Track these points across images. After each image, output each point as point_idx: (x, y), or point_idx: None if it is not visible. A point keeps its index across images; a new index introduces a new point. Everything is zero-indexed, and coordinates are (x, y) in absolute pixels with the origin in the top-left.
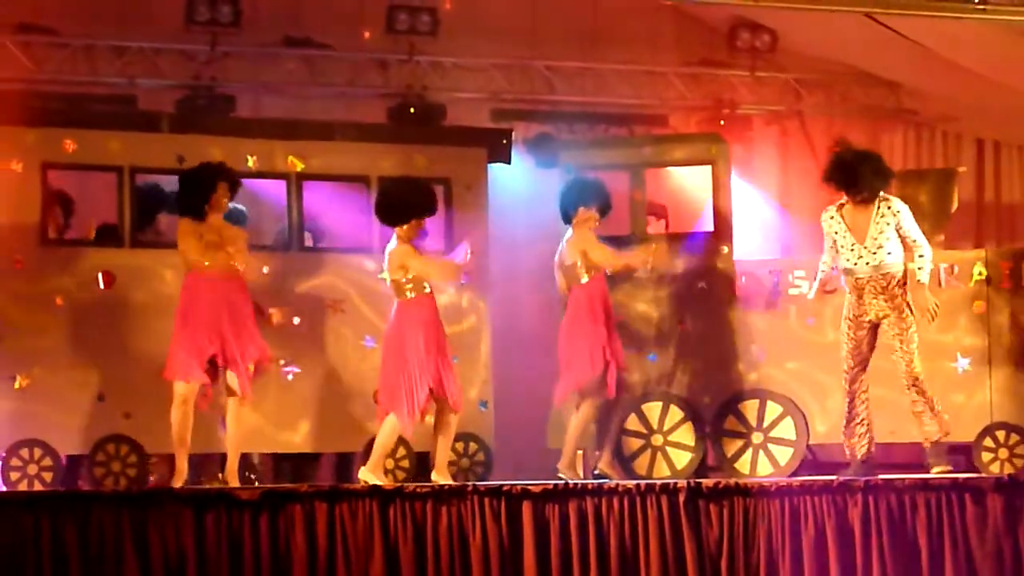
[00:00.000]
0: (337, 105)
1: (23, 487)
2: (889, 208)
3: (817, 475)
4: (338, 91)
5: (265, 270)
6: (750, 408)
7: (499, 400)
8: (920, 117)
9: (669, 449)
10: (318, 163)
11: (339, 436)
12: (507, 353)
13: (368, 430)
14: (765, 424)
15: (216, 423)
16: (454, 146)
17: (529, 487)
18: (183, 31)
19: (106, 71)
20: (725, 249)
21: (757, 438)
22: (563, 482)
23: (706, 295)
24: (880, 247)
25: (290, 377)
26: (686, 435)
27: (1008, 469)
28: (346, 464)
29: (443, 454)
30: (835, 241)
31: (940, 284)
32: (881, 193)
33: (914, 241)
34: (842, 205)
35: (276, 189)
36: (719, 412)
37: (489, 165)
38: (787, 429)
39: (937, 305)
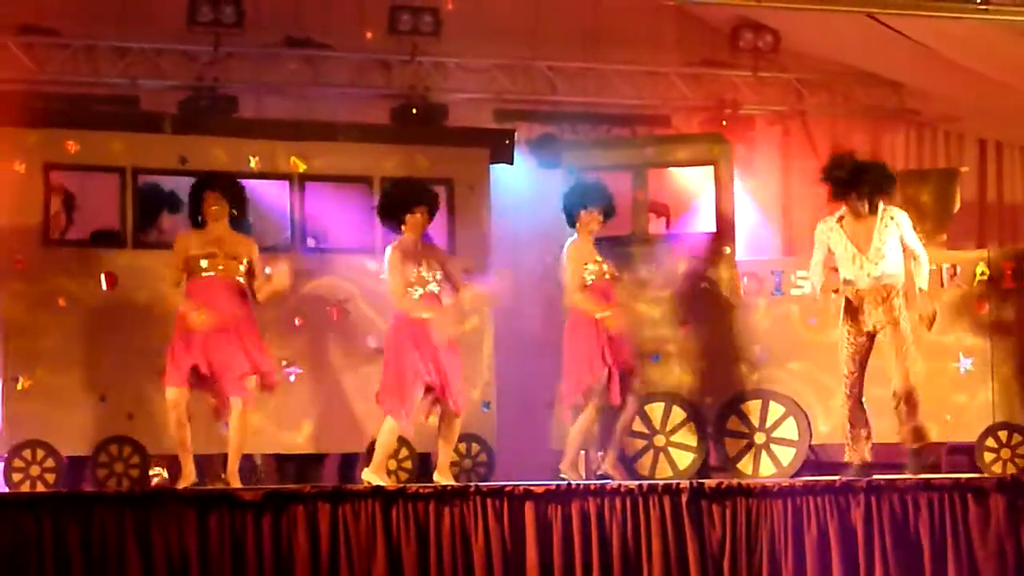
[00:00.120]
0: (340, 106)
1: (25, 488)
2: (892, 218)
3: (819, 475)
4: (340, 92)
5: (268, 271)
6: (752, 408)
7: (501, 401)
8: (922, 117)
9: (671, 449)
10: (320, 164)
11: (342, 437)
12: (509, 354)
13: (370, 431)
14: (767, 424)
15: (219, 424)
16: (457, 147)
17: (531, 488)
18: (185, 32)
19: (108, 72)
20: (727, 249)
21: (759, 438)
22: (565, 483)
23: (708, 295)
24: (883, 257)
25: (292, 378)
26: (688, 435)
27: (1010, 469)
28: (349, 465)
29: (445, 455)
30: (829, 252)
31: (942, 285)
32: (881, 203)
33: (915, 251)
34: (841, 217)
35: (278, 190)
36: (721, 412)
37: (491, 166)
38: (789, 429)
39: (936, 312)
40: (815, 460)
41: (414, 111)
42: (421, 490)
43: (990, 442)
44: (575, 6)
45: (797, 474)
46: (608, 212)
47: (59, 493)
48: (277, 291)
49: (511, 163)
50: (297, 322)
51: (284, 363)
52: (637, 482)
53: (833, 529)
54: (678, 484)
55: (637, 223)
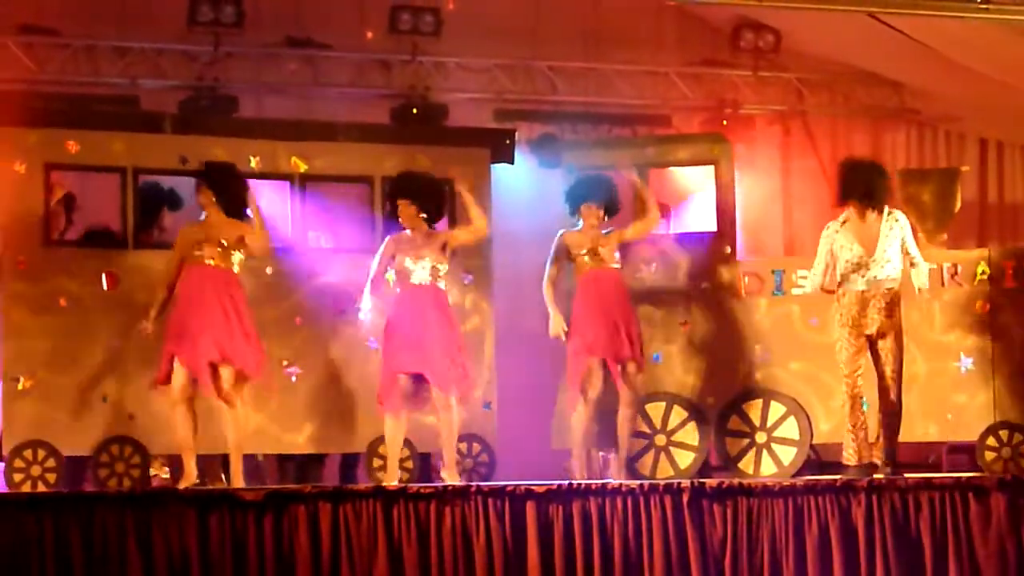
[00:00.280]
0: (340, 106)
1: (26, 488)
2: (897, 222)
3: (821, 475)
4: (341, 92)
5: (269, 271)
6: (754, 408)
7: (502, 400)
8: (923, 117)
9: (673, 449)
10: (321, 164)
11: (343, 437)
12: (510, 354)
13: (371, 431)
14: (769, 424)
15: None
16: (457, 146)
17: (533, 487)
18: (185, 32)
19: (108, 72)
20: (728, 249)
21: (761, 438)
22: (566, 482)
23: (709, 295)
24: (888, 261)
25: (294, 379)
26: (690, 435)
27: (1012, 468)
28: (350, 465)
29: (446, 452)
30: (834, 256)
31: (943, 284)
32: (887, 207)
33: (914, 256)
34: (846, 220)
35: (279, 190)
36: (723, 412)
37: (492, 165)
38: (791, 429)
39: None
40: (816, 459)
41: (414, 111)
42: (422, 490)
43: (991, 441)
44: (575, 6)
45: (798, 473)
46: (610, 208)
47: (60, 493)
48: (253, 253)
49: (512, 163)
50: (297, 321)
51: (284, 363)
52: (638, 482)
53: (834, 528)
54: (679, 484)
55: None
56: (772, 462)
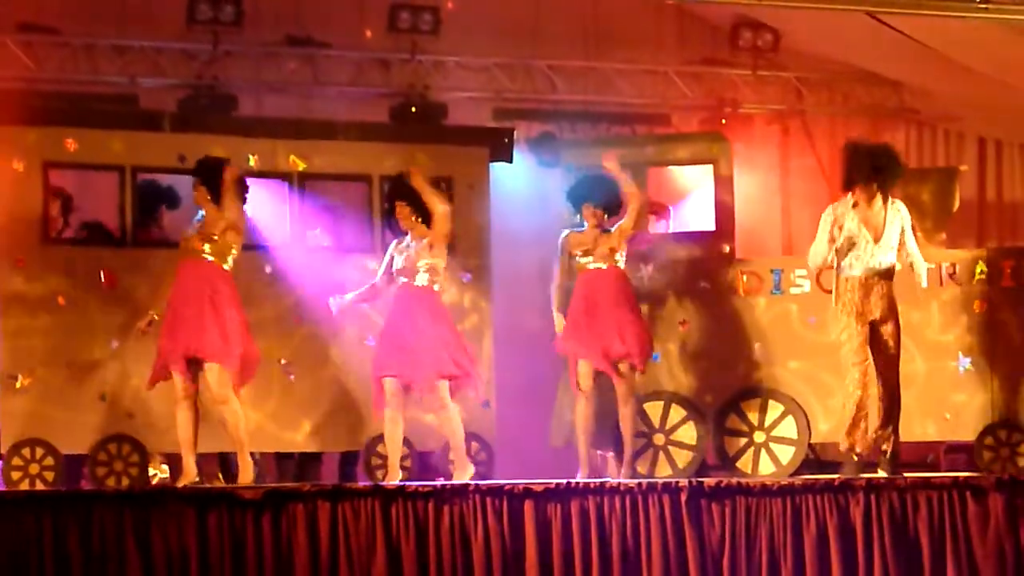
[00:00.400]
0: (339, 104)
1: (25, 487)
2: (899, 211)
3: (819, 474)
4: (340, 90)
5: (268, 269)
6: (752, 407)
7: (501, 399)
8: (922, 116)
9: (671, 448)
10: (320, 162)
11: (342, 435)
12: (509, 352)
13: (369, 429)
14: (767, 423)
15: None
16: (456, 145)
17: (531, 486)
18: (185, 30)
19: (107, 70)
20: (727, 248)
21: (759, 437)
22: (564, 481)
23: (708, 294)
24: (892, 248)
25: (292, 377)
26: (688, 434)
27: (1010, 468)
28: (349, 463)
29: (454, 452)
30: (840, 235)
31: (941, 283)
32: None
33: (911, 248)
34: (856, 203)
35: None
36: (721, 411)
37: (491, 164)
38: (789, 428)
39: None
40: (814, 459)
41: (413, 110)
42: (420, 488)
43: (989, 441)
44: (574, 5)
45: (796, 473)
46: (610, 208)
47: (58, 492)
48: (237, 240)
49: (510, 162)
50: (296, 321)
51: (283, 361)
52: (637, 480)
53: (832, 527)
54: (677, 483)
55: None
56: (770, 461)
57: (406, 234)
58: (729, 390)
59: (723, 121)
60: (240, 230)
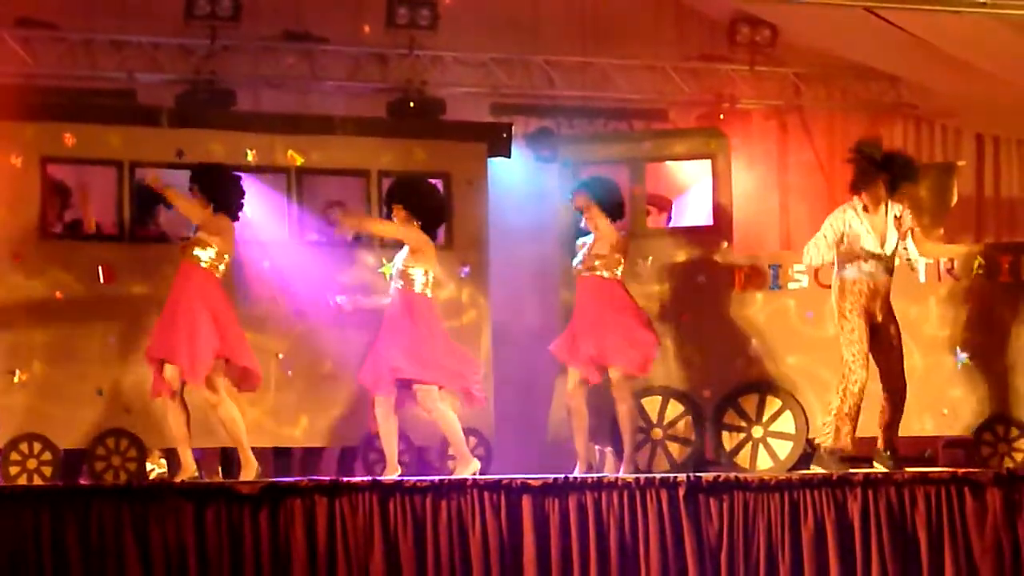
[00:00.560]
0: (337, 99)
1: (22, 481)
2: (903, 216)
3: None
4: (338, 85)
5: (266, 264)
6: (750, 402)
7: (499, 394)
8: (920, 111)
9: (669, 443)
10: (318, 157)
11: (339, 430)
12: (507, 347)
13: (367, 425)
14: (765, 418)
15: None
16: (454, 141)
17: (529, 481)
18: (182, 25)
19: (105, 65)
20: (725, 243)
21: (757, 432)
22: (562, 476)
23: (706, 289)
24: (896, 253)
25: (290, 373)
26: (686, 429)
27: (1007, 463)
28: (347, 458)
29: (453, 447)
30: (845, 240)
31: (939, 279)
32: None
33: (912, 253)
34: (865, 207)
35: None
36: (719, 406)
37: (489, 159)
38: (787, 423)
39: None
40: (812, 454)
41: (411, 105)
42: (418, 483)
43: (987, 436)
44: (572, 0)
45: (794, 468)
46: (613, 211)
47: (56, 486)
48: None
49: (508, 157)
50: (294, 316)
51: (280, 356)
52: (634, 475)
53: (830, 523)
54: (675, 478)
55: (635, 218)
56: (768, 456)
57: None
58: (727, 385)
59: (721, 116)
60: (224, 237)
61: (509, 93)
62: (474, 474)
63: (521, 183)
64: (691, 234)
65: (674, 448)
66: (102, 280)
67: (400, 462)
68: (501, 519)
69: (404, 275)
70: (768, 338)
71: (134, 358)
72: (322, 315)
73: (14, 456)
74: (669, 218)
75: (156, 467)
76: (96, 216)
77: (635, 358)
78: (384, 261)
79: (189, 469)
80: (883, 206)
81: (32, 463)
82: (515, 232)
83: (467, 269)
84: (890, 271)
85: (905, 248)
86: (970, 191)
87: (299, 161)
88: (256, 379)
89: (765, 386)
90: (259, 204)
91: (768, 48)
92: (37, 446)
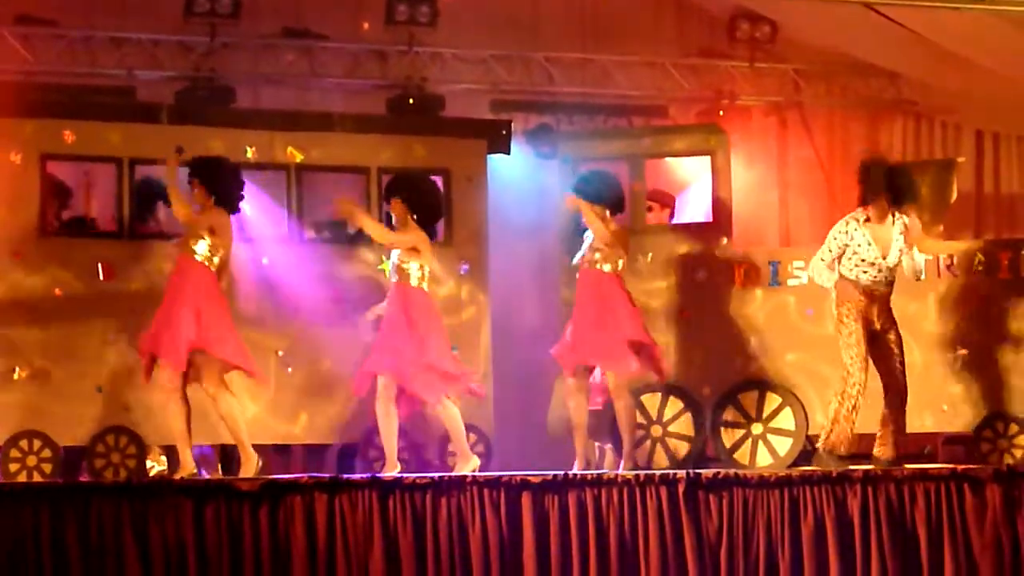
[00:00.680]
0: (336, 96)
1: (22, 478)
2: (906, 226)
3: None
4: (337, 82)
5: (265, 261)
6: (750, 399)
7: (498, 391)
8: (919, 108)
9: (668, 440)
10: (317, 154)
11: (339, 427)
12: (506, 344)
13: (367, 422)
14: (764, 415)
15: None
16: (453, 137)
17: (528, 478)
18: (182, 22)
19: (105, 62)
20: (724, 239)
21: (757, 429)
22: (562, 473)
23: (705, 286)
24: (899, 264)
25: (289, 369)
26: (685, 426)
27: (1007, 459)
28: (346, 455)
29: (454, 443)
30: (847, 250)
31: (939, 275)
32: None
33: (916, 262)
34: (868, 219)
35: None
36: (719, 403)
37: (488, 156)
38: (786, 420)
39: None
40: (812, 450)
41: (411, 101)
42: (418, 480)
43: (987, 432)
44: None
45: (794, 464)
46: (614, 206)
47: (56, 484)
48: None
49: (508, 153)
50: (293, 313)
51: (280, 353)
52: (634, 472)
53: (830, 519)
54: (675, 474)
55: (635, 214)
56: (768, 453)
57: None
58: (726, 382)
59: (720, 113)
60: (222, 231)
61: (509, 89)
62: (474, 471)
63: (521, 179)
64: (691, 230)
65: (674, 445)
66: (102, 277)
67: (400, 459)
68: (501, 516)
69: (400, 270)
70: (768, 335)
71: (134, 355)
72: (321, 312)
73: (14, 453)
74: (672, 214)
75: (156, 464)
76: (95, 213)
77: (632, 365)
78: (383, 258)
79: (188, 466)
80: (889, 217)
81: (32, 460)
82: (515, 229)
83: (467, 266)
84: (891, 282)
85: (912, 259)
86: (970, 187)
87: (299, 158)
88: (249, 375)
89: (765, 383)
90: (259, 201)
91: (768, 44)
92: (37, 443)
